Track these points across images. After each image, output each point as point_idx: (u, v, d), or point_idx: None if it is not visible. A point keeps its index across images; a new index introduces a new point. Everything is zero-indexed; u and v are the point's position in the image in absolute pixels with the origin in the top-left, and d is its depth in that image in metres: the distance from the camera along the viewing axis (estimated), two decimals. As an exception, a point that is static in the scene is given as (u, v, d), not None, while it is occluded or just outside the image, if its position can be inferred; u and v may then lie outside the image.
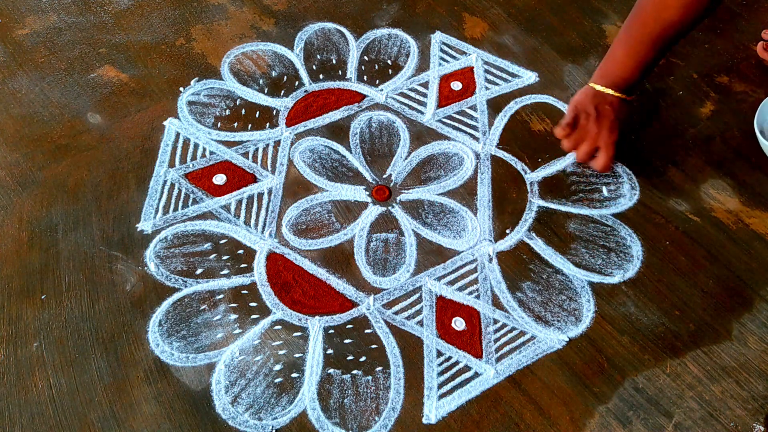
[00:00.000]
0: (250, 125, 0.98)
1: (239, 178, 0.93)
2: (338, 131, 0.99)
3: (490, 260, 0.87)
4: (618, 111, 0.87)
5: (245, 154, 0.95)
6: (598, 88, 0.87)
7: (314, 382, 0.76)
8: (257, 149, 0.96)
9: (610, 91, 0.86)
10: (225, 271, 0.84)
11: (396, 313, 0.82)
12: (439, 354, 0.79)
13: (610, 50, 0.87)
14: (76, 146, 0.95)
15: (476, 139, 0.99)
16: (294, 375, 0.77)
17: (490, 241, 0.88)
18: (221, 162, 0.94)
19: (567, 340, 0.80)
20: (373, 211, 0.91)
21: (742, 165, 0.96)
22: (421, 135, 0.99)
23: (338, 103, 1.02)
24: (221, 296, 0.82)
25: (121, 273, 0.83)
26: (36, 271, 0.83)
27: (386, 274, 0.85)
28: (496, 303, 0.83)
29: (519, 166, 0.96)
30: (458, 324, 0.81)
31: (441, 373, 0.77)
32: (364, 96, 1.03)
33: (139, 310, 0.80)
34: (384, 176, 0.94)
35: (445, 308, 0.82)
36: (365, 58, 1.08)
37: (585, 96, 0.88)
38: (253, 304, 0.82)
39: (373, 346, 0.79)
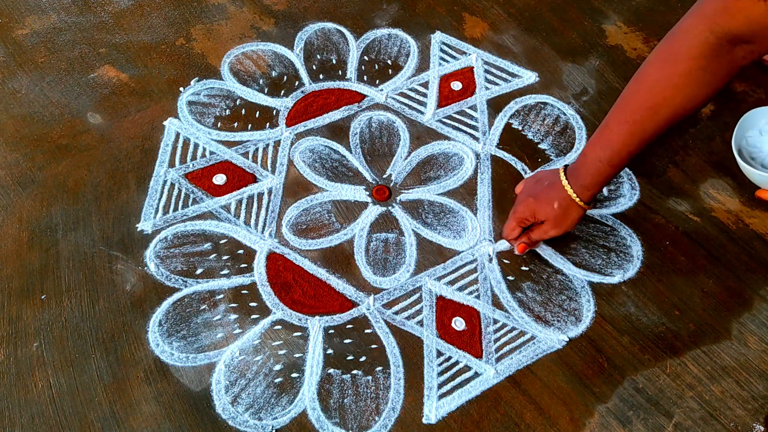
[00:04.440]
0: (250, 125, 0.98)
1: (239, 178, 0.93)
2: (338, 131, 0.99)
3: (490, 260, 0.87)
4: (577, 221, 0.81)
5: (245, 154, 0.95)
6: (570, 192, 0.78)
7: (314, 382, 0.76)
8: (257, 149, 0.96)
9: (578, 201, 0.78)
10: (225, 271, 0.84)
11: (396, 313, 0.82)
12: (439, 354, 0.79)
13: (591, 153, 0.75)
14: (76, 146, 0.95)
15: (476, 139, 0.99)
16: (294, 375, 0.77)
17: (490, 241, 0.88)
18: (221, 162, 0.94)
19: (567, 340, 0.80)
20: (373, 211, 0.91)
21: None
22: (421, 135, 0.99)
23: (338, 103, 1.02)
24: (221, 296, 0.82)
25: (121, 273, 0.83)
26: (36, 271, 0.83)
27: (386, 274, 0.85)
28: (496, 303, 0.83)
29: (519, 166, 0.96)
30: (458, 324, 0.81)
31: (441, 373, 0.77)
32: (364, 96, 1.03)
33: (139, 310, 0.80)
34: (384, 176, 0.94)
35: (445, 308, 0.82)
36: (365, 58, 1.08)
37: (551, 188, 0.80)
38: (253, 304, 0.82)
39: (373, 346, 0.79)
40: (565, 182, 0.79)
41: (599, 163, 0.74)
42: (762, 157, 0.94)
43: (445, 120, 1.01)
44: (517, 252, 0.85)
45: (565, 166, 0.81)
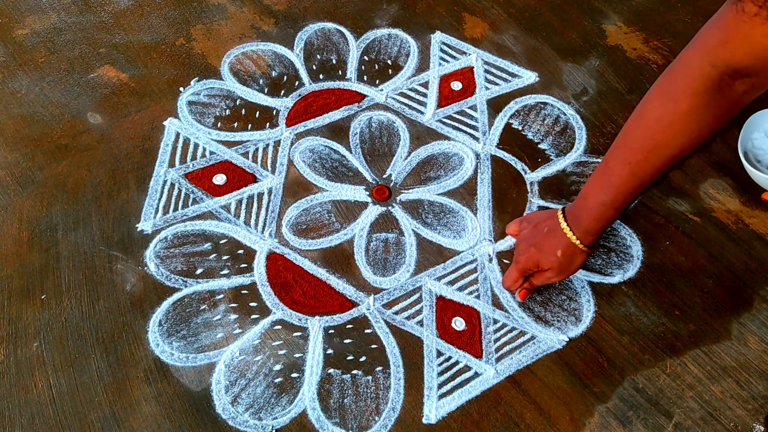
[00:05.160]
0: (250, 125, 0.98)
1: (239, 178, 0.93)
2: (338, 131, 0.99)
3: (490, 260, 0.87)
4: (580, 266, 0.78)
5: (245, 154, 0.95)
6: (574, 240, 0.75)
7: (314, 382, 0.76)
8: (257, 149, 0.96)
9: (582, 247, 0.75)
10: (225, 271, 0.84)
11: (396, 313, 0.82)
12: (439, 354, 0.79)
13: (592, 196, 0.73)
14: (76, 146, 0.95)
15: (476, 139, 0.99)
16: (294, 375, 0.77)
17: (490, 241, 0.88)
18: (221, 162, 0.94)
19: (567, 340, 0.80)
20: (373, 211, 0.91)
21: (742, 165, 0.96)
22: (421, 135, 0.99)
23: (338, 103, 1.02)
24: (221, 296, 0.82)
25: (121, 273, 0.83)
26: (36, 271, 0.83)
27: (386, 274, 0.85)
28: (496, 303, 0.83)
29: (519, 166, 0.96)
30: (458, 324, 0.81)
31: (441, 373, 0.77)
32: (364, 96, 1.03)
33: (139, 310, 0.80)
34: (384, 176, 0.94)
35: (445, 308, 0.82)
36: (365, 58, 1.08)
37: (552, 236, 0.77)
38: (253, 304, 0.82)
39: (373, 346, 0.79)
40: (566, 228, 0.75)
41: (602, 207, 0.71)
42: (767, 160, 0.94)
43: (445, 120, 1.01)
44: (519, 300, 0.82)
45: (563, 210, 0.77)
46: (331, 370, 0.77)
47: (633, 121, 0.68)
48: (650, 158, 0.67)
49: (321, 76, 1.05)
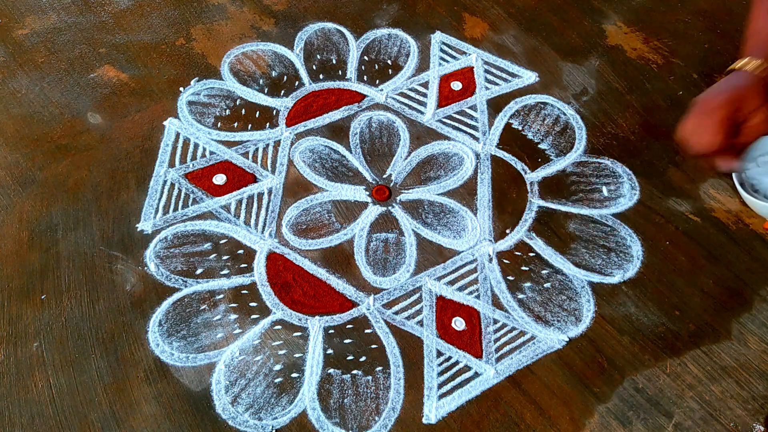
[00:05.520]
0: (250, 125, 0.98)
1: (239, 178, 0.93)
2: (338, 131, 0.99)
3: (490, 260, 0.87)
4: None
5: (245, 154, 0.95)
6: (757, 63, 0.70)
7: (314, 382, 0.76)
8: (257, 149, 0.96)
9: None
10: (225, 271, 0.84)
11: (396, 313, 0.82)
12: (439, 354, 0.79)
13: (764, 25, 0.70)
14: (76, 146, 0.95)
15: (476, 139, 0.99)
16: (294, 375, 0.77)
17: (490, 241, 0.88)
18: (221, 162, 0.94)
19: (567, 340, 0.80)
20: (373, 211, 0.91)
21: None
22: (421, 135, 0.99)
23: (338, 103, 1.02)
24: (221, 296, 0.82)
25: (121, 273, 0.83)
26: (36, 271, 0.83)
27: (386, 274, 0.85)
28: (496, 303, 0.83)
29: (519, 166, 0.96)
30: (458, 324, 0.81)
31: (441, 373, 0.77)
32: (364, 96, 1.03)
33: (139, 310, 0.80)
34: (384, 176, 0.94)
35: (445, 308, 0.82)
36: (365, 58, 1.08)
37: (736, 77, 0.71)
38: (253, 304, 0.82)
39: (373, 346, 0.79)
40: (751, 62, 0.70)
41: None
42: (764, 189, 0.92)
43: (445, 120, 1.01)
44: (726, 169, 0.71)
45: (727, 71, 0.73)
46: (331, 370, 0.77)
47: None
48: None
49: (321, 76, 1.05)
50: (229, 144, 0.96)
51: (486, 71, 1.07)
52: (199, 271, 0.84)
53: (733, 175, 0.92)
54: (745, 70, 0.70)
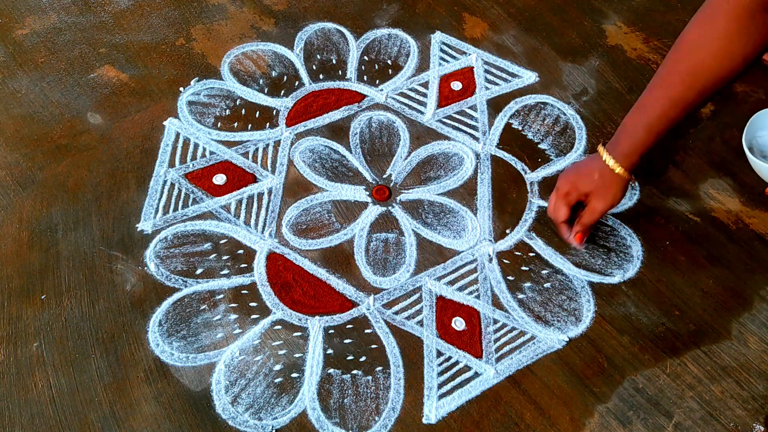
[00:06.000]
0: (250, 125, 0.98)
1: (239, 178, 0.93)
2: (338, 131, 0.99)
3: (490, 260, 0.87)
4: (622, 192, 0.80)
5: (245, 154, 0.95)
6: (609, 161, 0.77)
7: (314, 382, 0.76)
8: (257, 149, 0.96)
9: (618, 169, 0.77)
10: (225, 271, 0.84)
11: (396, 313, 0.82)
12: (439, 354, 0.79)
13: (629, 120, 0.76)
14: (76, 146, 0.95)
15: (476, 139, 0.99)
16: (294, 375, 0.77)
17: (490, 241, 0.88)
18: (221, 162, 0.94)
19: (567, 340, 0.80)
20: (373, 211, 0.91)
21: (742, 165, 0.96)
22: (421, 135, 0.99)
23: (338, 103, 1.02)
24: (221, 296, 0.82)
25: (121, 273, 0.83)
26: (36, 271, 0.83)
27: (386, 274, 0.85)
28: (496, 303, 0.83)
29: (519, 166, 0.96)
30: (458, 324, 0.81)
31: (441, 373, 0.77)
32: (364, 96, 1.03)
33: (139, 310, 0.80)
34: (384, 176, 0.94)
35: (445, 308, 0.82)
36: (365, 58, 1.08)
37: (591, 161, 0.80)
38: (253, 304, 0.82)
39: (373, 346, 0.79)
40: (602, 151, 0.78)
41: (636, 128, 0.75)
42: None
43: (445, 120, 1.01)
44: (576, 244, 0.84)
45: (604, 142, 0.80)
46: (331, 370, 0.77)
47: (673, 48, 0.72)
48: (686, 81, 0.70)
49: (321, 76, 1.05)
50: (229, 144, 0.96)
51: (486, 71, 1.07)
52: (199, 271, 0.84)
53: (743, 139, 0.93)
54: (603, 159, 0.78)
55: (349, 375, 0.77)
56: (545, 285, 0.85)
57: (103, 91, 1.02)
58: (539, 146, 0.98)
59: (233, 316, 0.80)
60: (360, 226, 0.89)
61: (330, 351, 0.78)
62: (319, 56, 1.08)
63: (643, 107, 0.74)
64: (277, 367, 0.77)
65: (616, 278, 0.85)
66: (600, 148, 0.79)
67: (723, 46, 0.66)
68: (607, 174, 0.78)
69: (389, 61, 1.08)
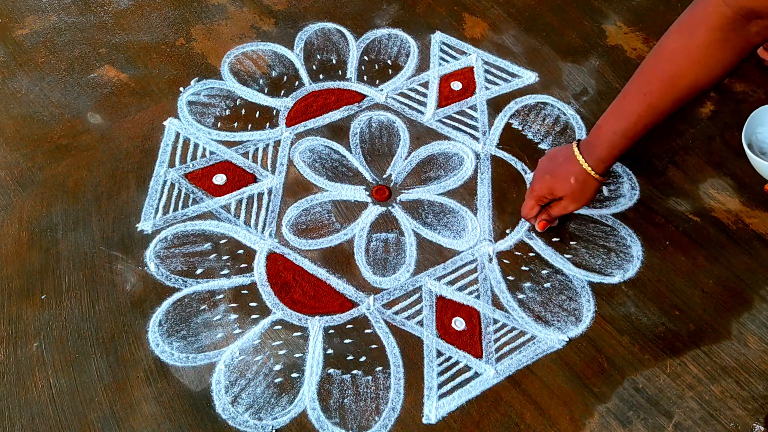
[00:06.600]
0: (250, 125, 0.98)
1: (239, 178, 0.93)
2: (338, 131, 0.99)
3: (490, 260, 0.87)
4: (594, 194, 0.81)
5: (245, 154, 0.95)
6: (585, 166, 0.78)
7: (314, 382, 0.76)
8: (257, 149, 0.96)
9: (594, 174, 0.78)
10: (225, 271, 0.84)
11: (396, 313, 0.82)
12: (439, 354, 0.79)
13: (605, 125, 0.76)
14: (76, 146, 0.95)
15: (476, 139, 0.99)
16: (294, 375, 0.77)
17: (490, 241, 0.88)
18: (221, 162, 0.94)
19: (567, 340, 0.80)
20: (373, 211, 0.91)
21: (742, 165, 0.96)
22: (421, 135, 0.99)
23: (338, 103, 1.02)
24: (221, 296, 0.82)
25: (121, 273, 0.83)
26: (36, 271, 0.83)
27: (386, 274, 0.85)
28: (496, 303, 0.83)
29: (519, 166, 0.96)
30: (458, 324, 0.81)
31: (441, 373, 0.77)
32: (364, 96, 1.03)
33: (139, 310, 0.80)
34: (384, 176, 0.94)
35: (445, 308, 0.82)
36: (365, 58, 1.08)
37: (567, 163, 0.80)
38: (253, 304, 0.82)
39: (373, 346, 0.79)
40: (579, 156, 0.79)
41: (614, 135, 0.75)
42: None
43: (445, 120, 1.01)
44: (538, 229, 0.87)
45: (578, 141, 0.80)
46: (331, 370, 0.77)
47: (651, 54, 0.71)
48: (664, 89, 0.69)
49: (321, 76, 1.05)
50: (229, 144, 0.96)
51: (486, 71, 1.07)
52: (199, 271, 0.84)
53: (743, 136, 0.93)
54: (580, 164, 0.79)
55: (349, 375, 0.77)
56: (545, 285, 0.85)
57: (103, 91, 1.02)
58: (539, 146, 0.98)
59: (233, 316, 0.80)
60: (360, 226, 0.89)
61: (330, 351, 0.78)
62: (319, 56, 1.08)
63: (620, 113, 0.74)
64: (277, 367, 0.77)
65: (616, 278, 0.85)
66: (576, 152, 0.79)
67: (703, 55, 0.66)
68: (583, 179, 0.79)
69: (389, 61, 1.08)
